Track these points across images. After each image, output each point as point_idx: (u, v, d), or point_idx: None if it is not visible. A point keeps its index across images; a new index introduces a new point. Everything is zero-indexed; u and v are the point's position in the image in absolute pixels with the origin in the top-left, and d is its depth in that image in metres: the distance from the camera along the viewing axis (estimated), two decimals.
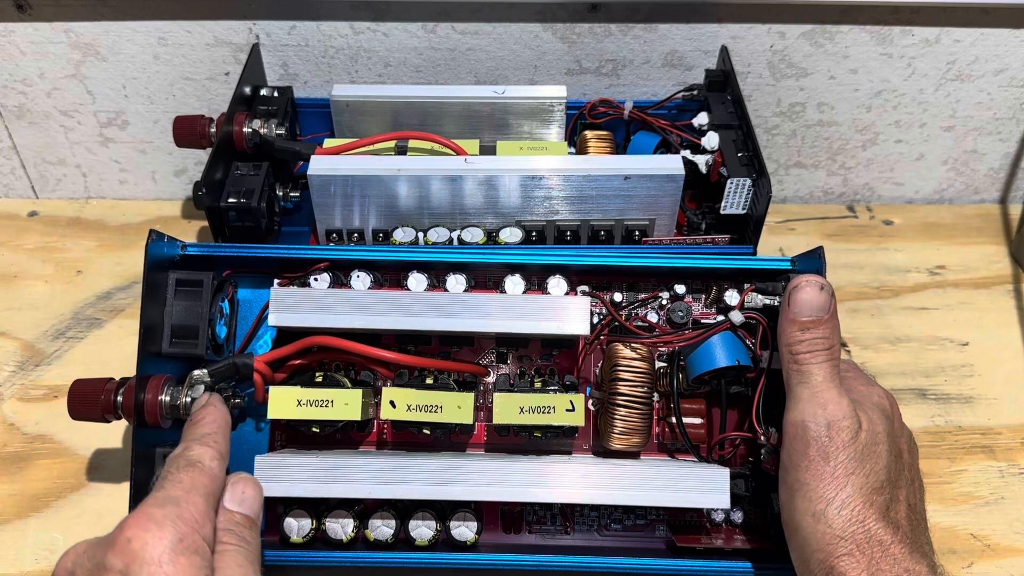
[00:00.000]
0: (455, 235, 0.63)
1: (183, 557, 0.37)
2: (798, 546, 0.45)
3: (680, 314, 0.56)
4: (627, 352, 0.53)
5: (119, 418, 0.53)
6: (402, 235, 0.63)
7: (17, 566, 0.58)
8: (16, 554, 0.59)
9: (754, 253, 0.63)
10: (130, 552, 0.36)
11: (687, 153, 0.67)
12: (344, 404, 0.52)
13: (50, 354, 0.71)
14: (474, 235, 0.63)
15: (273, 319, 0.52)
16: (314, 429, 0.53)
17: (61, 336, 0.72)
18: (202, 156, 0.79)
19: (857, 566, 0.43)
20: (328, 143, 0.67)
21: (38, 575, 0.58)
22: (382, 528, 0.53)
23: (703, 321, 0.56)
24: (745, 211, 0.64)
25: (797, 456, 0.46)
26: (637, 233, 0.65)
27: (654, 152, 0.70)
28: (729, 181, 0.63)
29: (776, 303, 0.52)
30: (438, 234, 0.63)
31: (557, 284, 0.55)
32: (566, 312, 0.52)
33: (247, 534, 0.42)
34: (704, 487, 0.50)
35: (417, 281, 0.55)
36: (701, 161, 0.66)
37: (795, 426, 0.46)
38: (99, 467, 0.64)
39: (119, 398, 0.52)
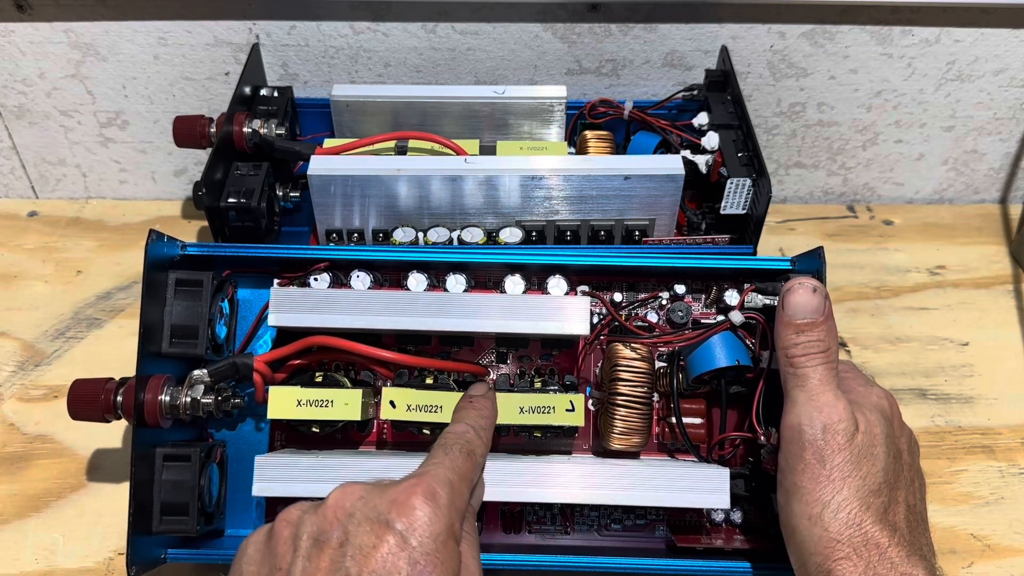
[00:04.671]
0: (455, 235, 0.63)
1: (451, 542, 0.39)
2: (796, 549, 0.45)
3: (680, 314, 0.56)
4: (627, 352, 0.53)
5: (119, 418, 0.53)
6: (402, 235, 0.63)
7: (17, 566, 0.58)
8: (16, 554, 0.59)
9: (754, 253, 0.63)
10: (415, 519, 0.38)
11: (687, 153, 0.67)
12: (344, 404, 0.52)
13: (50, 354, 0.71)
14: (474, 235, 0.63)
15: (273, 319, 0.52)
16: (314, 429, 0.53)
17: (61, 336, 0.72)
18: (202, 156, 0.79)
19: (854, 569, 0.42)
20: (328, 143, 0.67)
21: (38, 575, 0.58)
22: None
23: (703, 321, 0.56)
24: (745, 211, 0.64)
25: (793, 459, 0.46)
26: (637, 233, 0.65)
27: (654, 152, 0.70)
28: (729, 181, 0.63)
29: (775, 303, 0.52)
30: (438, 234, 0.63)
31: (557, 284, 0.55)
32: (566, 312, 0.52)
33: (472, 527, 0.45)
34: (704, 487, 0.50)
35: (417, 281, 0.55)
36: (701, 161, 0.66)
37: (791, 429, 0.46)
38: (99, 467, 0.64)
39: (119, 398, 0.52)
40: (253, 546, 0.41)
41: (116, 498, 0.62)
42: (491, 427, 0.49)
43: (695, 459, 0.54)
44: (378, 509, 0.38)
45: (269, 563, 0.39)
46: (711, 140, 0.66)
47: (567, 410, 0.51)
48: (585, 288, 0.56)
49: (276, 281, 0.56)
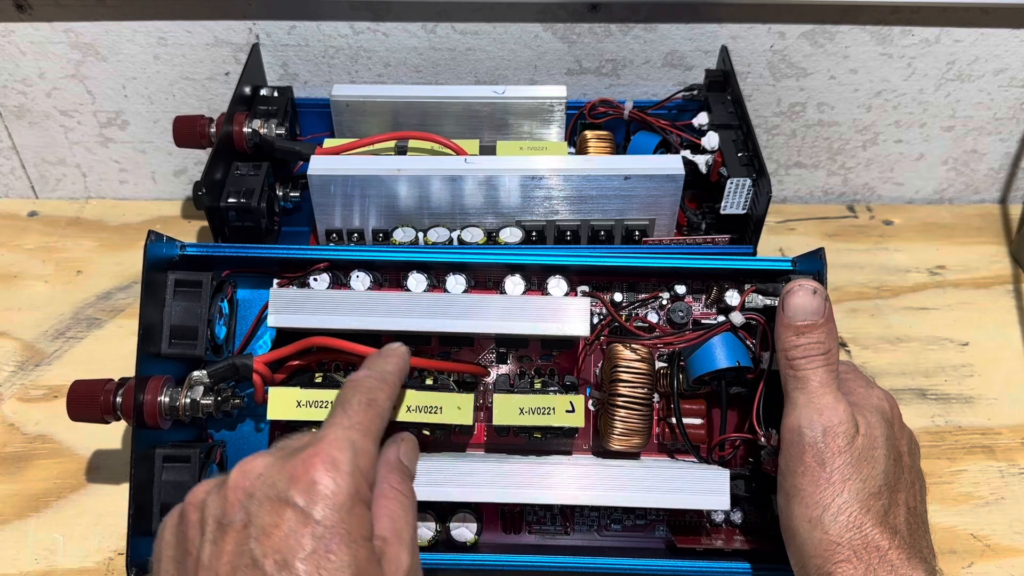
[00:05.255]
0: (455, 235, 0.63)
1: (358, 507, 0.38)
2: (796, 552, 0.45)
3: (680, 314, 0.56)
4: (627, 353, 0.53)
5: (118, 419, 0.53)
6: (402, 235, 0.63)
7: (17, 566, 0.58)
8: (16, 554, 0.59)
9: (754, 253, 0.63)
10: (316, 493, 0.37)
11: (687, 153, 0.67)
12: None
13: (50, 354, 0.71)
14: (474, 235, 0.63)
15: (272, 320, 0.52)
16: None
17: (61, 336, 0.72)
18: (202, 156, 0.79)
19: (855, 572, 0.42)
20: (328, 143, 0.67)
21: (38, 575, 0.58)
22: None
23: (703, 321, 0.56)
24: (745, 211, 0.64)
25: (794, 462, 0.46)
26: (637, 233, 0.65)
27: (654, 152, 0.70)
28: (729, 181, 0.63)
29: (776, 303, 0.52)
30: (438, 234, 0.63)
31: (557, 284, 0.55)
32: (566, 313, 0.52)
33: (406, 487, 0.43)
34: (704, 489, 0.50)
35: (417, 281, 0.55)
36: (701, 161, 0.66)
37: (791, 432, 0.46)
38: (99, 467, 0.64)
39: (118, 399, 0.52)
40: (169, 529, 0.40)
41: (116, 498, 0.62)
42: (399, 371, 0.47)
43: (695, 459, 0.54)
44: (277, 487, 0.37)
45: (182, 547, 0.39)
46: (711, 140, 0.66)
47: (567, 411, 0.51)
48: (585, 288, 0.56)
49: (276, 281, 0.56)
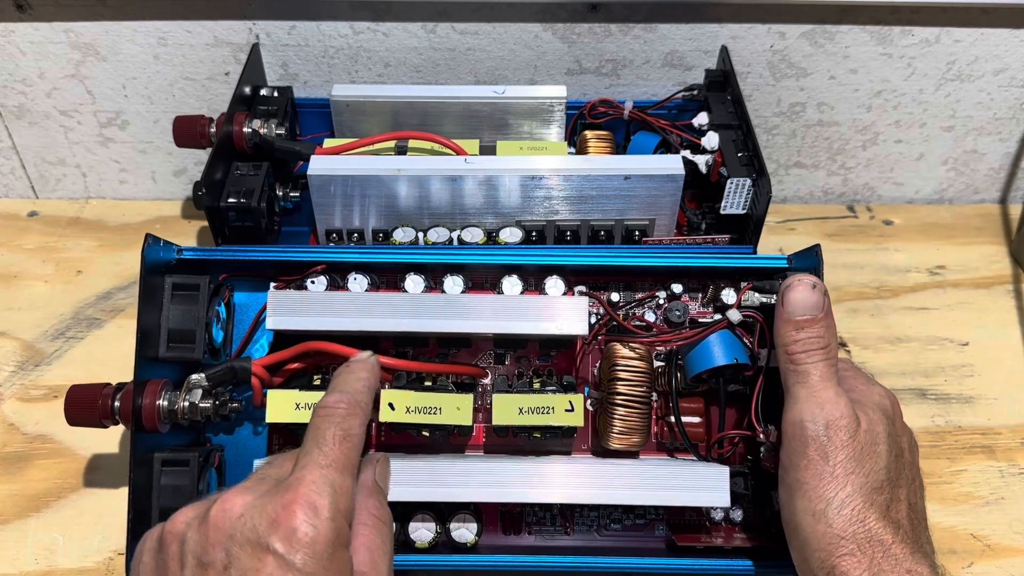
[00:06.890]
0: (455, 235, 0.63)
1: (338, 552, 0.38)
2: (798, 545, 0.45)
3: (677, 313, 0.56)
4: (625, 352, 0.53)
5: (116, 423, 0.52)
6: (402, 235, 0.63)
7: (17, 566, 0.58)
8: (16, 554, 0.59)
9: (754, 253, 0.63)
10: (297, 541, 0.37)
11: (687, 153, 0.67)
12: None
13: (50, 354, 0.71)
14: (474, 235, 0.63)
15: (271, 322, 0.52)
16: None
17: (61, 336, 0.72)
18: (202, 156, 0.79)
19: (858, 566, 0.42)
20: (328, 143, 0.67)
21: (38, 575, 0.58)
22: None
23: (700, 320, 0.56)
24: (745, 211, 0.64)
25: (796, 456, 0.46)
26: (637, 233, 0.65)
27: (654, 152, 0.70)
28: (729, 181, 0.63)
29: (773, 301, 0.52)
30: (438, 234, 0.63)
31: (554, 285, 0.55)
32: (564, 312, 0.52)
33: (383, 512, 0.43)
34: (704, 485, 0.50)
35: (414, 283, 0.55)
36: (701, 161, 0.66)
37: (793, 426, 0.46)
38: (99, 467, 0.64)
39: (116, 403, 0.52)
40: (148, 554, 0.40)
41: (116, 498, 0.62)
42: (369, 388, 0.47)
43: (694, 458, 0.54)
44: (258, 531, 0.37)
45: (161, 573, 0.39)
46: (711, 140, 0.66)
47: (566, 410, 0.51)
48: (582, 288, 0.56)
49: (273, 284, 0.56)
